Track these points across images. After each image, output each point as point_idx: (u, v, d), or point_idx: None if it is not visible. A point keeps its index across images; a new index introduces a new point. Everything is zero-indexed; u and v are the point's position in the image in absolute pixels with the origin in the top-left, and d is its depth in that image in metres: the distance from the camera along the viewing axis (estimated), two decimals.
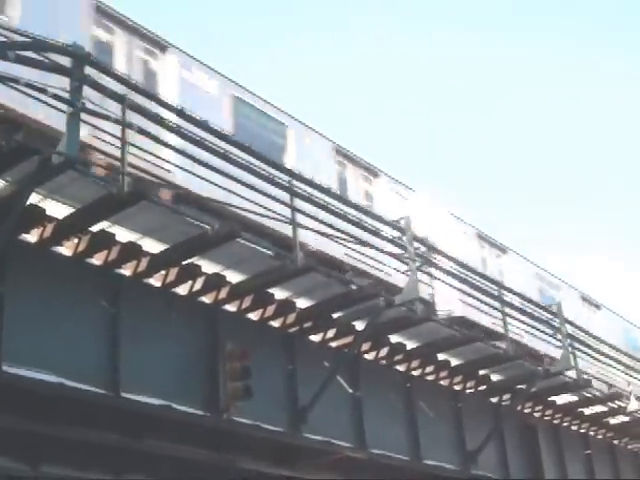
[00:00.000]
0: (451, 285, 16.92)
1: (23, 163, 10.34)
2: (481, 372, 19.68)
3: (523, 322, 19.33)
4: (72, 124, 10.21)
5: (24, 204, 10.80)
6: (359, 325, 16.02)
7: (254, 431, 14.43)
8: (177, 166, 12.86)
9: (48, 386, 11.62)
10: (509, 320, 18.69)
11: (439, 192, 25.24)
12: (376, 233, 15.24)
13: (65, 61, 10.43)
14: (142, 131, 11.36)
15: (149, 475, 14.10)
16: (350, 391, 16.51)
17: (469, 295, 17.63)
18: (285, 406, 15.14)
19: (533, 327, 19.83)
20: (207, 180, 12.37)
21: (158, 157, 12.58)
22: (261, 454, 15.50)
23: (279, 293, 14.91)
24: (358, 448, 16.32)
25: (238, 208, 13.39)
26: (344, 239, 15.31)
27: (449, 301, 19.25)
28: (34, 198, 11.24)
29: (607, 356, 22.16)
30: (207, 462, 14.81)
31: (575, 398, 22.41)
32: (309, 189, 13.95)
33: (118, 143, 11.33)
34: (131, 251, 12.83)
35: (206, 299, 14.35)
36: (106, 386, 12.39)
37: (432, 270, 16.29)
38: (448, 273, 16.61)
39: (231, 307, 14.72)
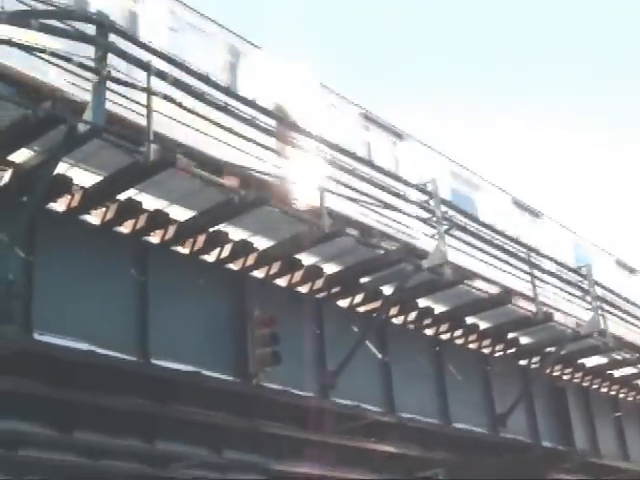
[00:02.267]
0: (479, 248, 16.79)
1: (50, 132, 10.33)
2: (510, 335, 19.60)
3: (553, 285, 19.19)
4: (98, 93, 10.19)
5: (51, 173, 10.80)
6: (387, 290, 15.98)
7: (283, 396, 14.48)
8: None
9: (78, 353, 11.69)
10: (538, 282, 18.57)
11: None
12: (403, 197, 15.13)
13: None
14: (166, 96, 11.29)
15: (179, 441, 14.23)
16: (379, 356, 16.50)
17: (497, 258, 17.47)
18: (314, 371, 15.18)
19: (562, 289, 19.71)
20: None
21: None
22: (290, 419, 15.58)
23: (307, 259, 14.88)
24: (387, 412, 16.33)
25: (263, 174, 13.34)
26: (371, 203, 15.20)
27: None
28: (61, 167, 11.23)
29: (637, 317, 22.01)
30: (237, 427, 14.91)
31: (604, 360, 22.28)
32: (336, 154, 13.88)
33: None
34: (158, 219, 12.82)
35: (234, 266, 14.34)
36: (136, 353, 12.44)
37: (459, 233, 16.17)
38: (476, 236, 16.49)
39: (259, 273, 14.71)
